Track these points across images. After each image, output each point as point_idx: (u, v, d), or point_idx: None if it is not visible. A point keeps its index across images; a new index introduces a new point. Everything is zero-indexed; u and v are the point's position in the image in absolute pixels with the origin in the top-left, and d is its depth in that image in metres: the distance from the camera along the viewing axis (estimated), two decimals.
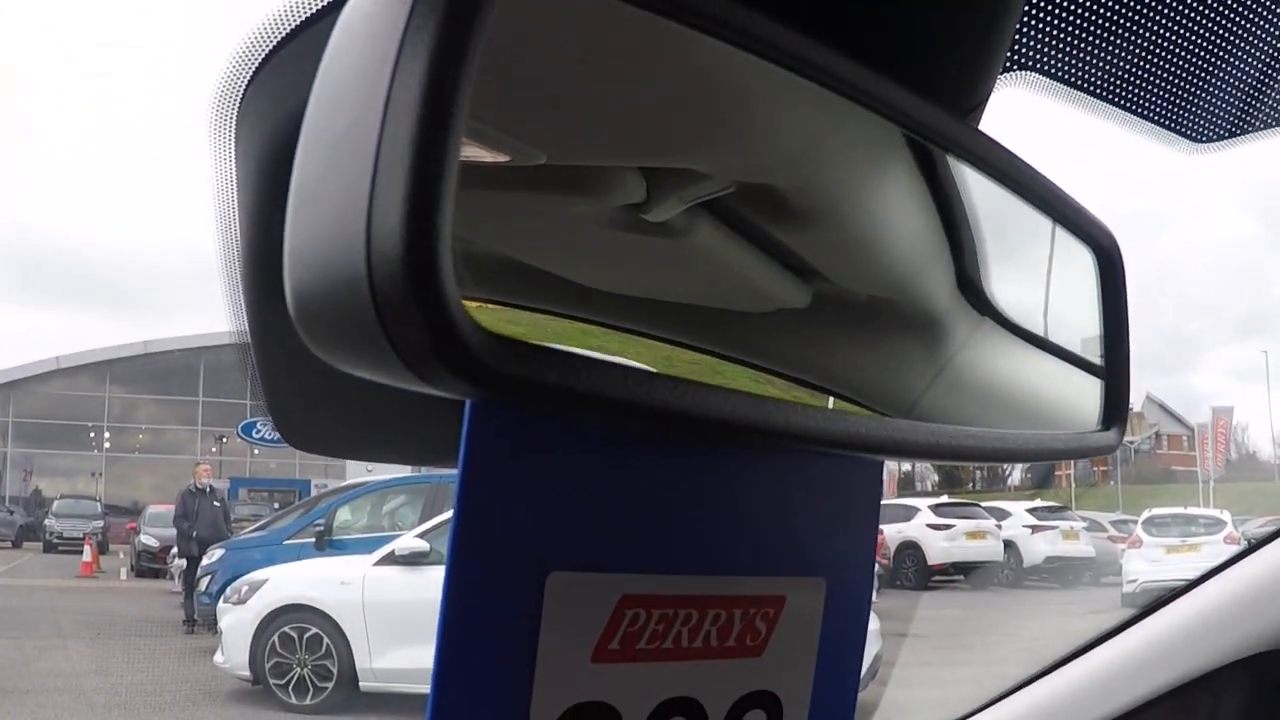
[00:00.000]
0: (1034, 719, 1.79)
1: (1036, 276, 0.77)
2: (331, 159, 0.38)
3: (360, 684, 9.84)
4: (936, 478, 55.65)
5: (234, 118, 0.64)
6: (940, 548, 22.21)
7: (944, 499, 28.31)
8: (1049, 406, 0.72)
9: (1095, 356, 0.73)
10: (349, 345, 0.38)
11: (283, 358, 0.59)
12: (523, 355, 0.40)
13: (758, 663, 0.58)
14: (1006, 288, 0.71)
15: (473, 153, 0.45)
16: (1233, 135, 0.85)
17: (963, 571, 22.20)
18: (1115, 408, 0.70)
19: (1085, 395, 0.72)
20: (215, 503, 15.19)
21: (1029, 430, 0.66)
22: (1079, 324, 0.74)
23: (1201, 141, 0.84)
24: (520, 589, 0.49)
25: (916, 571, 22.03)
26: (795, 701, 0.60)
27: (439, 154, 0.37)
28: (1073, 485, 49.78)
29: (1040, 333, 0.73)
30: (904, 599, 18.12)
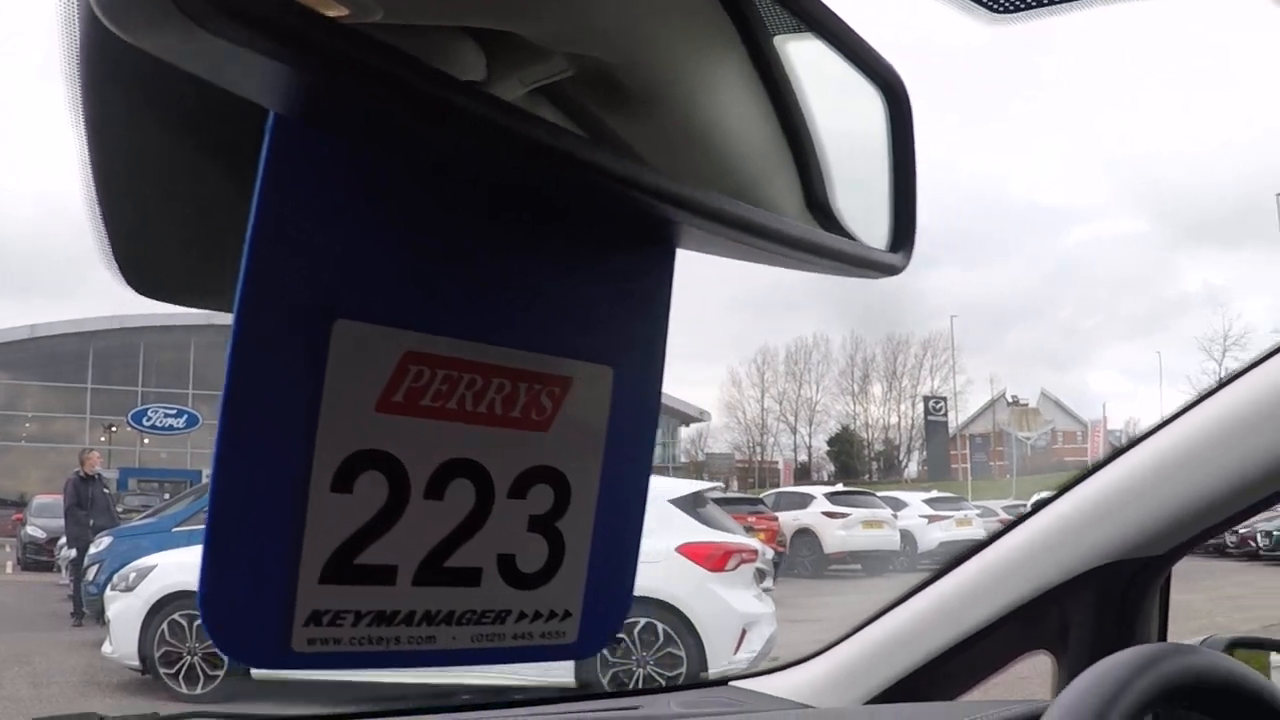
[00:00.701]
0: (890, 646, 1.84)
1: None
2: None
3: (251, 672, 9.64)
4: (833, 467, 56.40)
5: None
6: (837, 536, 22.44)
7: (840, 487, 28.70)
8: None
9: None
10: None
11: (127, 186, 0.57)
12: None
13: (544, 438, 0.60)
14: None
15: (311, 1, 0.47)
16: (1033, 6, 0.87)
17: (860, 560, 22.50)
18: (903, 233, 0.73)
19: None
20: (105, 490, 14.81)
21: (823, 231, 0.68)
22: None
23: (1000, 11, 0.87)
24: (306, 334, 0.51)
25: (813, 560, 22.27)
26: (583, 484, 0.62)
27: None
28: (969, 479, 51.00)
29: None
30: (801, 586, 18.33)
